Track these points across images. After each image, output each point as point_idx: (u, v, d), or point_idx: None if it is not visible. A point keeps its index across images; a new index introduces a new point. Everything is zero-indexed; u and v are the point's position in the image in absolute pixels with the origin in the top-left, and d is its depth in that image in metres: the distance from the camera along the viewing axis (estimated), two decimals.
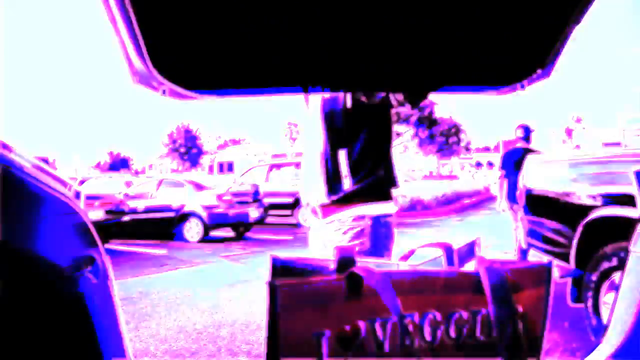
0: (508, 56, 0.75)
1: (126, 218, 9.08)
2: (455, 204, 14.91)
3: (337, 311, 0.61)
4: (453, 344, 0.68)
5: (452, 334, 0.68)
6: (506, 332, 0.67)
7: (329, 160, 1.62)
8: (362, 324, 0.62)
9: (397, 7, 0.64)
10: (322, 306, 0.60)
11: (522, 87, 0.77)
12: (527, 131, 5.57)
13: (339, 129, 1.61)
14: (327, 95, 1.59)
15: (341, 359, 0.62)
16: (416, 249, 1.07)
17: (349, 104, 1.59)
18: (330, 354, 0.60)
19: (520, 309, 0.71)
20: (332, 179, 1.61)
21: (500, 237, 7.86)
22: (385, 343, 0.64)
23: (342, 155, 1.59)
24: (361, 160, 1.61)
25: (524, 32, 0.70)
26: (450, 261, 0.80)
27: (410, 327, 0.65)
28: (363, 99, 1.55)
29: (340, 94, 1.57)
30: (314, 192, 1.66)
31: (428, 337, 0.66)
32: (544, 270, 0.74)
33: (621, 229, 2.69)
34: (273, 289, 0.57)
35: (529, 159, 4.14)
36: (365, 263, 0.66)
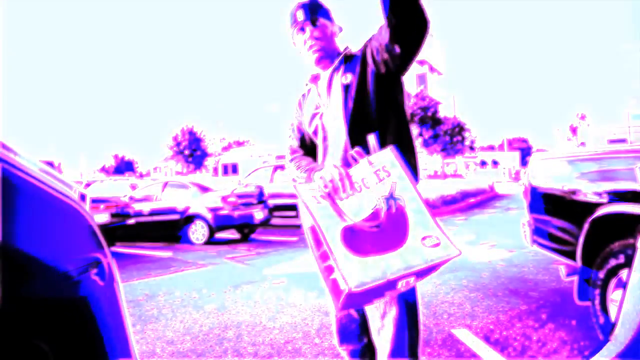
0: None
1: (131, 221, 9.11)
2: (460, 203, 14.87)
3: None
4: None
5: None
6: None
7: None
8: None
9: None
10: None
11: None
12: None
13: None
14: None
15: None
16: None
17: None
18: None
19: None
20: None
21: (504, 236, 7.83)
22: None
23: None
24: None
25: None
26: None
27: None
28: None
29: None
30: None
31: None
32: None
33: (628, 225, 2.67)
34: None
35: (534, 156, 4.12)
36: None
